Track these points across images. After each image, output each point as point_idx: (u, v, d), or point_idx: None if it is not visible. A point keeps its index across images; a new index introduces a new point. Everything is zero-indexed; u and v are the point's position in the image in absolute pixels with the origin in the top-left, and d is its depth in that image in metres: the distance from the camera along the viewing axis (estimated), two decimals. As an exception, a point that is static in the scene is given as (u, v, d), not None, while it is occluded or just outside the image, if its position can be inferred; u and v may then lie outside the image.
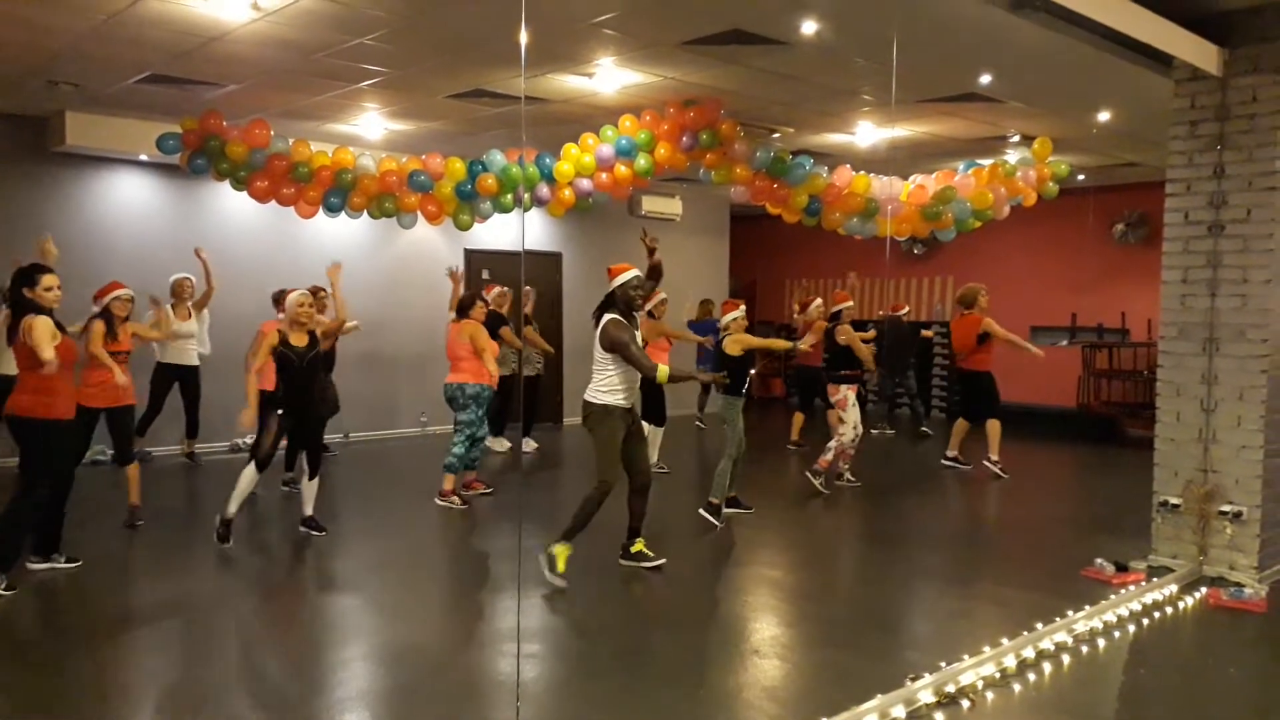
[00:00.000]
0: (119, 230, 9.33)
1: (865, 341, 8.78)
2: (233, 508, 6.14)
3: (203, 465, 9.06)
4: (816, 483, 7.97)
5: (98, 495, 7.17)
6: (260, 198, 7.83)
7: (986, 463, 8.96)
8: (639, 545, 5.78)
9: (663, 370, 5.32)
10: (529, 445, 10.15)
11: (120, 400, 6.33)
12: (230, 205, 9.72)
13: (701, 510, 6.92)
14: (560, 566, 5.34)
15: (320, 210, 8.07)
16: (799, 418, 10.51)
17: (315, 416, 6.45)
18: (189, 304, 8.57)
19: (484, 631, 4.86)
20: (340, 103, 8.05)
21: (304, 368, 6.21)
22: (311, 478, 6.42)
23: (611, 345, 5.36)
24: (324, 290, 8.32)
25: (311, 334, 6.31)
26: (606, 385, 5.46)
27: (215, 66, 6.93)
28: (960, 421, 9.30)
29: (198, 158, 7.52)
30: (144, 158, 9.06)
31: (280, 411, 6.29)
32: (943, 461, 9.25)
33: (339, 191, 7.95)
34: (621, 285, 5.50)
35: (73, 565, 5.56)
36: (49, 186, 8.98)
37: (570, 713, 3.87)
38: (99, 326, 6.14)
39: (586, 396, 5.55)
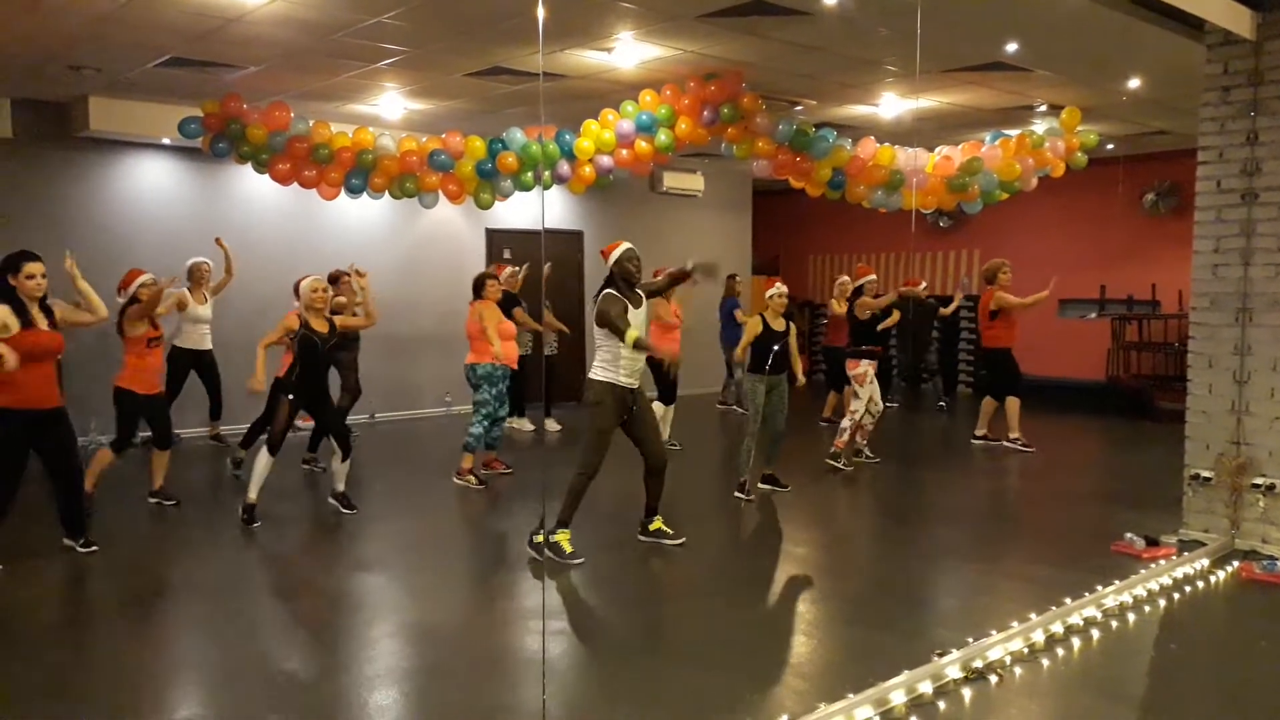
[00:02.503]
0: (143, 214, 9.40)
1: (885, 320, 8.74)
2: (253, 493, 6.24)
3: (230, 445, 9.14)
4: (838, 464, 7.98)
5: (132, 476, 7.25)
6: (282, 180, 7.86)
7: (1006, 442, 8.93)
8: (657, 523, 5.84)
9: (630, 333, 5.32)
10: (551, 425, 10.17)
11: (159, 387, 6.47)
12: (252, 188, 9.76)
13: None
14: (567, 549, 5.46)
15: (342, 192, 8.08)
16: (832, 397, 10.41)
17: (330, 401, 6.51)
18: (205, 289, 8.59)
19: (509, 610, 4.88)
20: (359, 83, 8.04)
21: (324, 354, 6.32)
22: (344, 460, 6.51)
23: (598, 318, 5.45)
24: (346, 276, 8.36)
25: (331, 321, 6.39)
26: (603, 361, 5.54)
27: (234, 48, 6.93)
28: (986, 400, 9.23)
29: (219, 141, 7.54)
30: (166, 141, 9.10)
31: (290, 396, 6.29)
32: (973, 440, 9.16)
33: (360, 172, 7.95)
34: (617, 261, 5.56)
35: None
36: (73, 171, 9.04)
37: (596, 690, 3.88)
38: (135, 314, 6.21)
39: (589, 373, 5.65)
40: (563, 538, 5.49)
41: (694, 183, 12.80)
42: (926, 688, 3.71)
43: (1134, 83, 8.03)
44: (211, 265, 8.62)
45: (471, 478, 7.40)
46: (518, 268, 9.18)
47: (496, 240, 11.72)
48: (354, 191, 8.07)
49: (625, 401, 5.53)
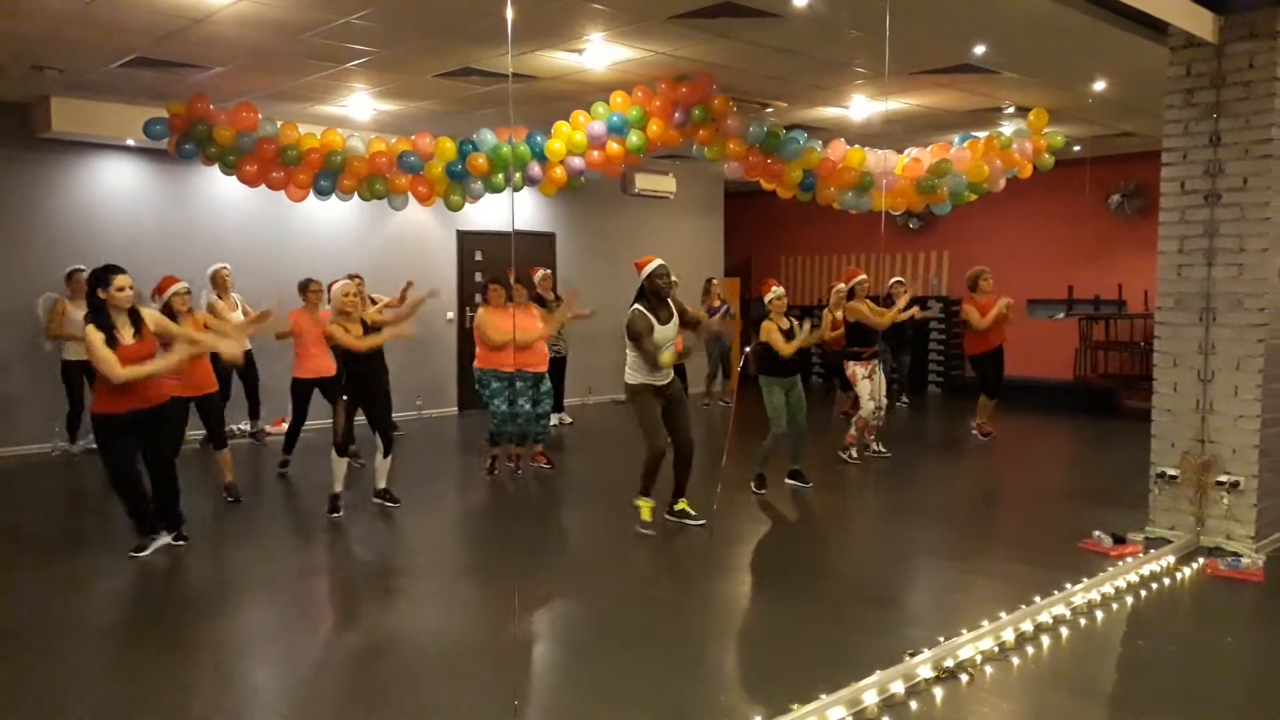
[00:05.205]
0: (108, 217, 9.26)
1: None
2: (338, 486, 6.59)
3: (267, 444, 9.12)
4: (846, 456, 8.28)
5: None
6: (249, 181, 7.77)
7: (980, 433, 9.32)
8: (681, 505, 6.23)
9: (665, 356, 5.84)
10: (564, 419, 10.58)
11: (204, 389, 6.61)
12: (219, 190, 9.65)
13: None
14: (646, 516, 6.04)
15: (310, 193, 8.01)
16: (841, 394, 10.49)
17: (381, 400, 6.78)
18: (233, 294, 8.60)
19: (486, 612, 4.85)
20: (328, 84, 7.97)
21: (363, 355, 6.53)
22: (385, 455, 6.72)
23: (628, 333, 5.93)
24: (360, 277, 8.43)
25: (364, 323, 6.56)
26: (632, 365, 6.00)
27: (201, 49, 6.85)
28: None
29: (185, 142, 7.44)
30: (131, 143, 8.97)
31: (345, 397, 6.61)
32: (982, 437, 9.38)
33: (328, 174, 7.87)
34: (649, 276, 6.00)
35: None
36: (35, 173, 8.89)
37: (568, 695, 3.86)
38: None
39: (625, 377, 6.10)
40: (644, 505, 6.07)
41: (666, 184, 12.80)
42: (898, 687, 3.73)
43: (1099, 85, 8.13)
44: (230, 270, 8.62)
45: (488, 460, 7.84)
46: (546, 270, 9.62)
47: (467, 242, 11.66)
48: (322, 193, 7.99)
49: (657, 392, 6.02)
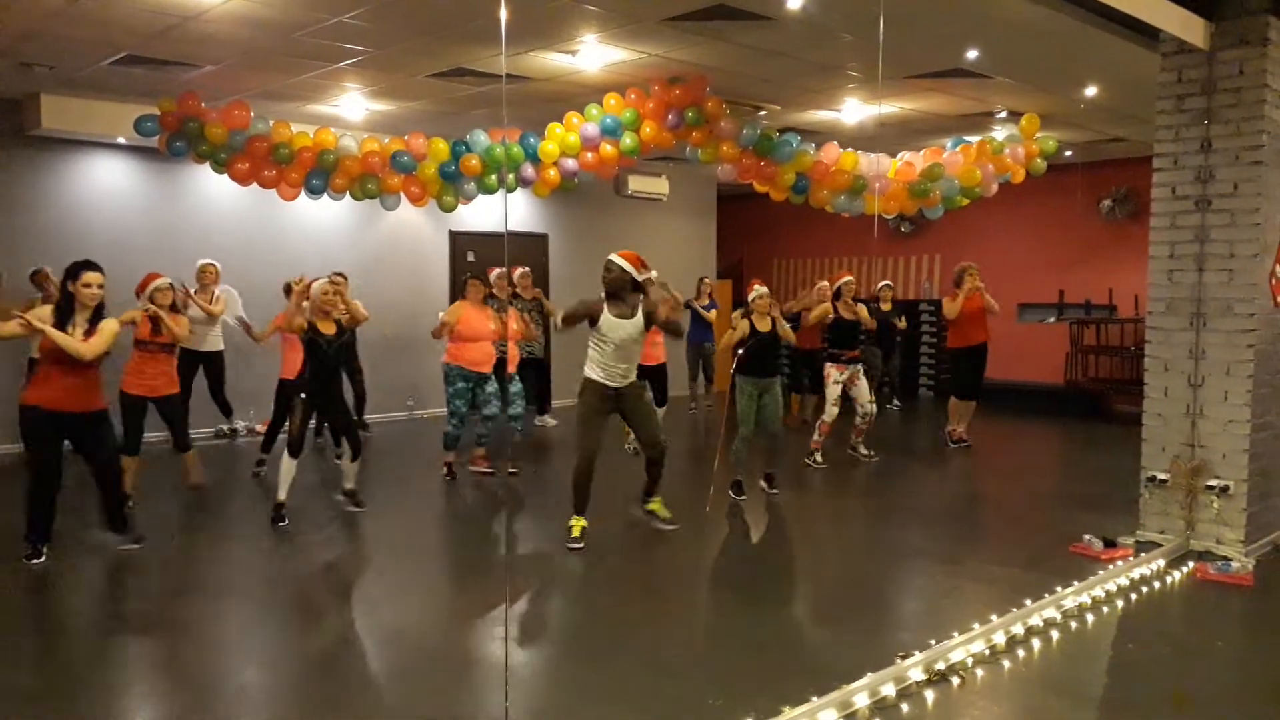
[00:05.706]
0: (97, 215, 9.21)
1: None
2: (282, 494, 6.28)
3: (238, 443, 9.16)
4: (810, 461, 8.18)
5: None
6: (241, 180, 7.73)
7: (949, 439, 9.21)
8: (654, 504, 6.19)
9: (558, 316, 5.88)
10: (549, 421, 10.64)
11: (164, 390, 6.52)
12: (210, 188, 9.61)
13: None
14: (575, 533, 5.76)
15: (302, 192, 7.98)
16: (794, 398, 10.52)
17: (342, 402, 6.62)
18: (212, 290, 8.50)
19: (475, 613, 4.84)
20: (321, 83, 7.95)
21: (331, 355, 6.36)
22: (354, 459, 6.56)
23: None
24: (343, 276, 8.40)
25: (339, 322, 6.44)
26: (589, 359, 5.87)
27: (193, 47, 6.82)
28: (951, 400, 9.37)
29: (176, 140, 7.40)
30: (122, 140, 8.93)
31: (303, 395, 6.37)
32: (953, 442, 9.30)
33: (321, 173, 7.85)
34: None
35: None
36: (25, 170, 8.84)
37: (560, 697, 3.85)
38: (142, 319, 6.31)
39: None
40: (575, 524, 5.79)
41: (659, 186, 12.81)
42: (889, 690, 3.72)
43: (1091, 90, 8.16)
44: (218, 266, 8.53)
45: (444, 467, 7.66)
46: (526, 269, 9.71)
47: (460, 243, 11.64)
48: (314, 192, 7.96)
49: (604, 395, 5.80)
